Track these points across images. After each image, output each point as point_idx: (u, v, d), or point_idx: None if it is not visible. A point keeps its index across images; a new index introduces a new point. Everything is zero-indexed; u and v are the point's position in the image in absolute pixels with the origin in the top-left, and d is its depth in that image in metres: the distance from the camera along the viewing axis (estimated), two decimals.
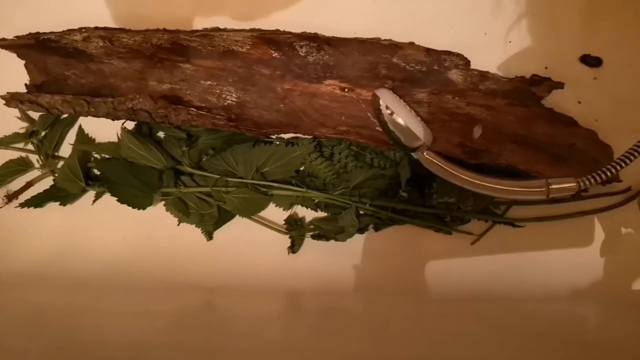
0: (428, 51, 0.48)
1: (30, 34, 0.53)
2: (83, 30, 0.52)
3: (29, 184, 0.61)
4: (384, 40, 0.48)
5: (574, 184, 0.43)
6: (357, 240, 0.54)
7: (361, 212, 0.53)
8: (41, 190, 0.59)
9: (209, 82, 0.51)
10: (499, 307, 0.51)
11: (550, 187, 0.44)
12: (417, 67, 0.48)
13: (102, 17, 0.56)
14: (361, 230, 0.54)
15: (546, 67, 0.49)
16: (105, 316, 0.56)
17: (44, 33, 0.53)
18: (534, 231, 0.51)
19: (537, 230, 0.51)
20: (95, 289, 0.59)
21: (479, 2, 0.51)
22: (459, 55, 0.48)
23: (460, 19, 0.51)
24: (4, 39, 0.54)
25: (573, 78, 0.48)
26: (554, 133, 0.47)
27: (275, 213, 0.56)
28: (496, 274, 0.52)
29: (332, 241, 0.54)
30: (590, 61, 0.49)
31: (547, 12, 0.50)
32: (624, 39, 0.49)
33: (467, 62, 0.48)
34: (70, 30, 0.52)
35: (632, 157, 0.41)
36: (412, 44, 0.48)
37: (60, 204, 0.59)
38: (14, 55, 0.55)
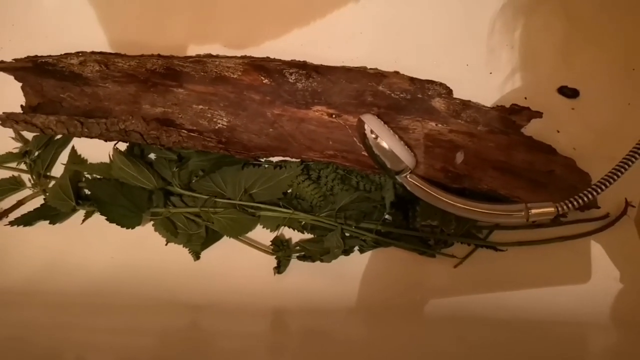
0: (412, 80, 0.49)
1: (28, 57, 0.54)
2: (80, 54, 0.53)
3: (20, 203, 0.61)
4: (370, 69, 0.50)
5: (552, 209, 0.44)
6: (342, 262, 0.55)
7: (346, 234, 0.54)
8: (32, 209, 0.59)
9: (200, 107, 0.53)
10: (482, 330, 0.52)
11: (529, 211, 0.45)
12: (401, 95, 0.49)
13: (98, 42, 0.58)
14: (346, 252, 0.54)
15: (525, 98, 0.51)
16: (91, 334, 0.55)
17: (41, 56, 0.54)
18: (516, 255, 0.52)
19: (519, 254, 0.52)
20: (82, 306, 0.59)
21: (461, 35, 0.53)
22: (441, 85, 0.49)
23: (444, 50, 0.53)
24: (2, 62, 0.55)
25: (551, 108, 0.50)
26: (534, 160, 0.48)
27: (262, 234, 0.57)
28: (479, 296, 0.52)
29: (318, 262, 0.55)
30: (568, 92, 0.51)
31: (526, 45, 0.52)
32: (599, 71, 0.51)
33: (450, 91, 0.49)
34: (67, 54, 0.54)
35: (607, 184, 0.43)
36: (397, 73, 0.50)
37: (50, 223, 0.59)
38: (11, 77, 0.56)
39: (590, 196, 0.43)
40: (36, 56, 0.54)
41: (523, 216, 0.45)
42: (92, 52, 0.54)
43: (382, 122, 0.49)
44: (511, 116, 0.49)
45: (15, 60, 0.55)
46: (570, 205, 0.44)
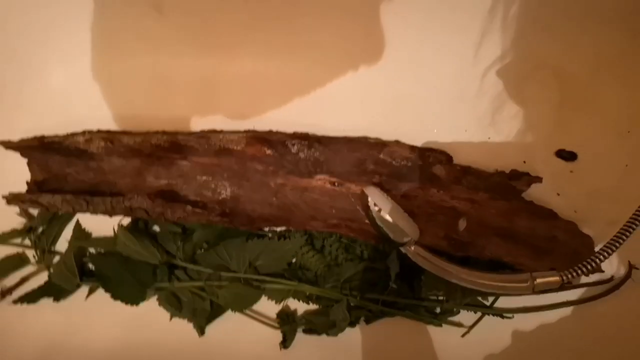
0: (412, 148, 0.50)
1: (35, 137, 0.55)
2: (86, 133, 0.54)
3: (24, 280, 0.61)
4: (371, 138, 0.51)
5: (558, 278, 0.44)
6: (349, 333, 0.54)
7: (352, 304, 0.53)
8: (36, 286, 0.59)
9: (204, 178, 0.53)
10: None
11: (535, 281, 0.45)
12: (402, 163, 0.50)
13: (103, 117, 0.59)
14: (352, 324, 0.54)
15: (524, 162, 0.51)
16: None
17: (48, 136, 0.55)
18: (523, 320, 0.51)
19: (527, 320, 0.51)
20: None
21: (458, 103, 0.54)
22: (441, 152, 0.50)
23: (442, 118, 0.53)
24: (10, 142, 0.56)
25: (550, 171, 0.50)
26: (535, 226, 0.48)
27: (267, 305, 0.56)
28: None
29: (324, 335, 0.54)
30: (566, 155, 0.51)
31: (522, 110, 0.52)
32: (596, 134, 0.51)
33: (450, 158, 0.50)
34: (73, 134, 0.54)
35: (611, 250, 0.43)
36: (397, 141, 0.50)
37: (54, 300, 0.59)
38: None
39: (594, 264, 0.43)
40: (43, 136, 0.55)
41: (529, 286, 0.45)
42: (99, 131, 0.55)
43: (385, 195, 0.49)
44: (511, 181, 0.49)
45: (23, 140, 0.55)
46: (575, 273, 0.44)
